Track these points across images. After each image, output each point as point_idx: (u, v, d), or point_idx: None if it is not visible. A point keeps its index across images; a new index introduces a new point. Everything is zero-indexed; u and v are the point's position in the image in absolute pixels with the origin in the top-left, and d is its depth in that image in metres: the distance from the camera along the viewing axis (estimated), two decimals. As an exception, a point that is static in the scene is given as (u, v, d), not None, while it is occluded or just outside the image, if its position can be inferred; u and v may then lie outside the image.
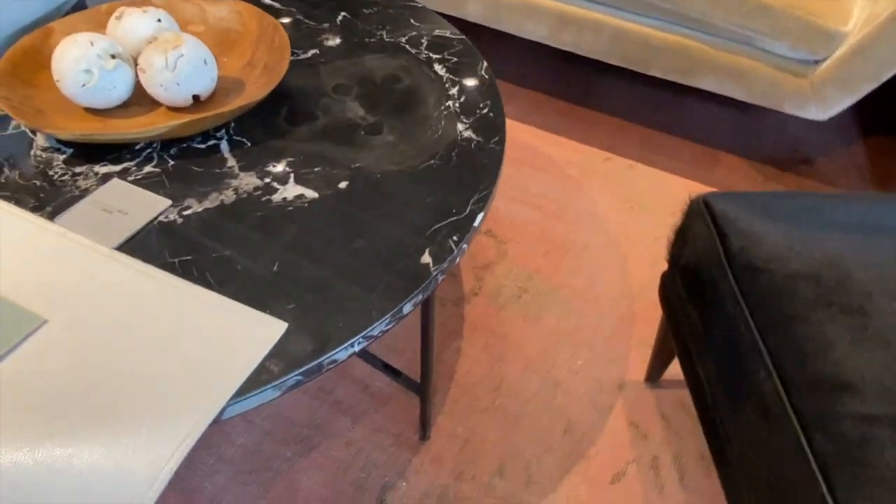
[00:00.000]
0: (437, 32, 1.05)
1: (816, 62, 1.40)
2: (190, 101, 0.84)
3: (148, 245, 0.71)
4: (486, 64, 0.99)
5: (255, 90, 0.88)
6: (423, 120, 0.89)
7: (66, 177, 0.79)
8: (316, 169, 0.81)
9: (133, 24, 0.87)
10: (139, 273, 0.67)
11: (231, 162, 0.82)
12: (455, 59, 1.00)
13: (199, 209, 0.75)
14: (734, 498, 0.73)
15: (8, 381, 0.58)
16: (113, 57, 0.82)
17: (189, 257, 0.70)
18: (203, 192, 0.77)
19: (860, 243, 0.77)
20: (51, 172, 0.79)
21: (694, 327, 0.82)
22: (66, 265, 0.67)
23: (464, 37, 1.04)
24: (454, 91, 0.95)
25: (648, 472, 1.06)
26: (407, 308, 0.68)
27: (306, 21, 1.05)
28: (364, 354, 1.18)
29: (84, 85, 0.81)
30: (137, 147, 0.83)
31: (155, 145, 0.83)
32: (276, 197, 0.77)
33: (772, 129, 1.81)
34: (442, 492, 1.02)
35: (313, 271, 0.69)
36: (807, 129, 1.83)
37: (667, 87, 1.91)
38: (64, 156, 0.81)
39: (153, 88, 0.83)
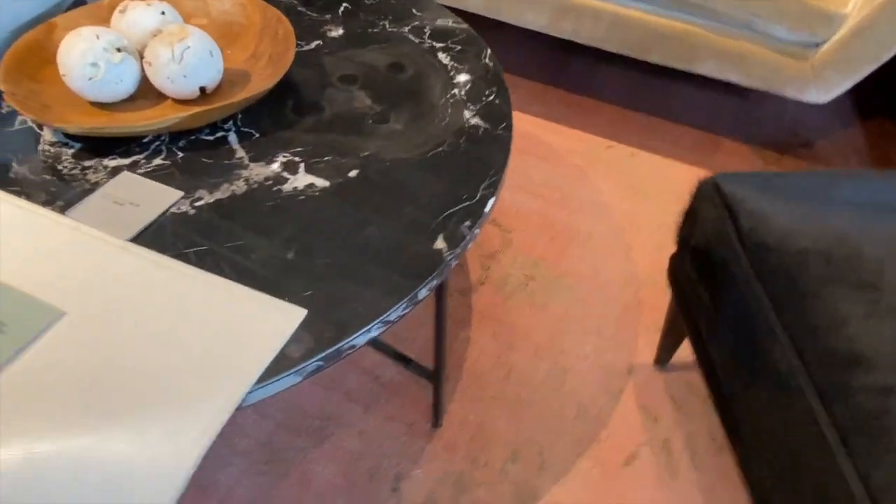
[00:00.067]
0: (439, 22, 1.05)
1: (816, 45, 1.40)
2: (197, 93, 0.84)
3: (161, 236, 0.71)
4: (489, 51, 0.99)
5: (262, 81, 0.88)
6: (429, 108, 0.89)
7: (75, 171, 0.79)
8: (325, 158, 0.81)
9: (137, 18, 0.86)
10: (155, 264, 0.67)
11: (240, 153, 0.82)
12: (459, 48, 1.00)
13: (211, 200, 0.76)
14: (749, 474, 0.74)
15: (29, 373, 0.58)
16: (119, 50, 0.82)
17: (203, 247, 0.70)
18: (214, 183, 0.77)
19: (868, 220, 0.78)
20: (60, 167, 0.79)
21: (705, 308, 0.83)
22: (81, 258, 0.67)
23: (466, 25, 1.04)
24: (459, 79, 0.95)
25: (660, 454, 1.07)
26: (422, 293, 0.68)
27: (308, 12, 1.05)
28: (375, 343, 1.18)
29: (91, 78, 0.81)
30: (145, 140, 0.83)
31: (163, 138, 0.83)
32: (287, 186, 0.78)
33: (771, 114, 1.82)
34: (456, 479, 1.03)
35: (328, 258, 0.69)
36: (805, 112, 1.83)
37: (666, 75, 1.91)
38: (72, 150, 0.81)
39: (160, 81, 0.83)
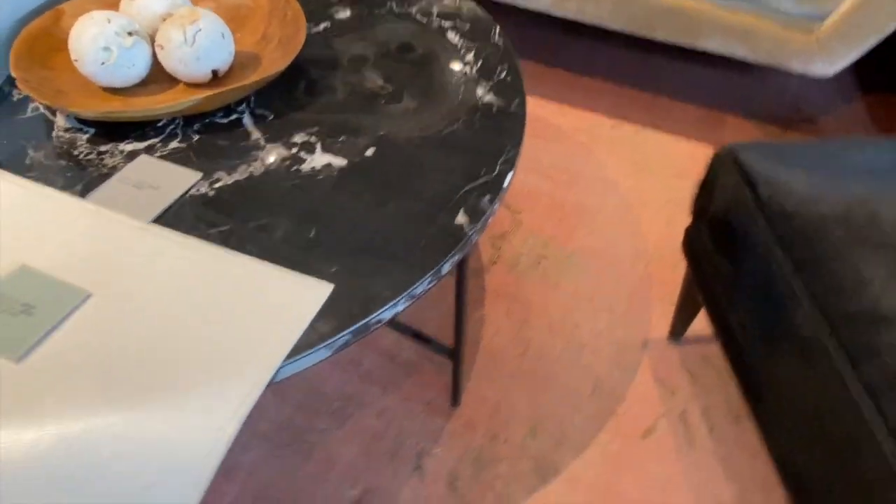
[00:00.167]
0: (446, 1, 1.05)
1: (822, 17, 1.40)
2: (209, 76, 0.84)
3: (183, 218, 0.71)
4: (499, 28, 0.99)
5: (273, 63, 0.87)
6: (442, 86, 0.89)
7: (91, 156, 0.78)
8: (341, 138, 0.81)
9: (147, 2, 0.86)
10: (178, 244, 0.67)
11: (256, 135, 0.82)
12: (468, 26, 1.00)
13: (230, 181, 0.75)
14: (772, 440, 0.75)
15: (59, 354, 0.58)
16: (130, 34, 0.82)
17: (225, 228, 0.70)
18: (231, 165, 0.77)
19: (884, 184, 0.78)
20: (75, 152, 0.79)
21: (723, 277, 0.83)
22: (104, 240, 0.67)
23: (474, 4, 1.04)
24: (470, 57, 0.94)
25: (678, 426, 1.07)
26: (446, 267, 0.69)
27: (315, -6, 1.05)
28: (394, 323, 1.19)
29: (103, 63, 0.80)
30: (160, 125, 0.82)
31: (178, 122, 0.83)
32: (305, 166, 0.77)
33: (774, 90, 1.82)
34: (477, 455, 1.04)
35: (350, 235, 0.69)
36: (808, 88, 1.83)
37: (668, 54, 1.91)
38: (87, 135, 0.81)
39: (172, 64, 0.82)
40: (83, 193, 0.74)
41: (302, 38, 0.87)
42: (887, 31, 1.33)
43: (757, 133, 1.69)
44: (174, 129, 0.82)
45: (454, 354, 1.05)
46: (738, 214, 0.79)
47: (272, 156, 0.79)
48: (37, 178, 0.75)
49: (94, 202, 0.72)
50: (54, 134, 0.81)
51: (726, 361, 1.16)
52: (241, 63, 0.90)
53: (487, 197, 0.74)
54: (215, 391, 0.56)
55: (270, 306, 0.62)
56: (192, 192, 0.75)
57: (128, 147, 0.80)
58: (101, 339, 0.60)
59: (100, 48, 0.80)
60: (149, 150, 0.79)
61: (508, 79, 0.91)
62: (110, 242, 0.68)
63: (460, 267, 0.91)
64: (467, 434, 1.06)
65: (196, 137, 0.81)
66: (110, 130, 0.82)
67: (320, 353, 0.61)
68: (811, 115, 1.75)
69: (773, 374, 0.73)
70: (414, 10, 1.03)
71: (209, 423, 0.55)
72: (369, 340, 1.19)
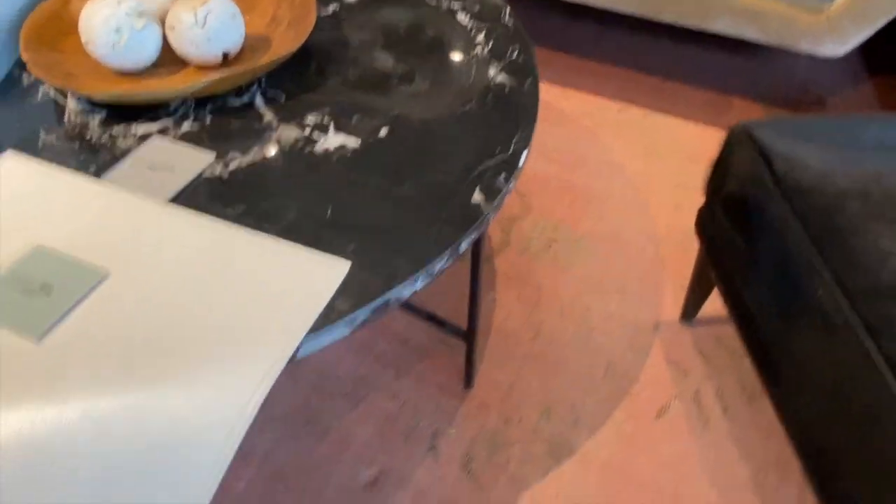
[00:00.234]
0: (454, -17, 1.04)
1: (831, -4, 1.39)
2: (220, 58, 0.84)
3: (198, 198, 0.71)
4: (509, 9, 0.98)
5: (283, 45, 0.87)
6: (453, 67, 0.88)
7: (103, 139, 0.78)
8: (354, 118, 0.81)
9: (156, -16, 0.86)
10: (195, 223, 0.67)
11: (268, 116, 0.81)
12: (477, 8, 0.99)
13: (244, 162, 0.75)
14: (790, 416, 0.75)
15: (78, 334, 0.58)
16: (141, 16, 0.81)
17: (241, 208, 0.70)
18: (245, 146, 0.77)
19: (901, 161, 0.78)
20: (87, 135, 0.78)
21: (739, 255, 0.83)
22: (120, 220, 0.67)
23: (483, -17, 1.03)
24: (480, 38, 0.94)
25: (692, 406, 1.07)
26: (464, 245, 0.69)
27: (324, -23, 1.04)
28: (408, 306, 1.19)
29: (114, 45, 0.80)
30: (171, 107, 0.82)
31: (189, 104, 0.82)
32: (319, 147, 0.77)
33: (781, 73, 1.81)
34: (491, 436, 1.04)
35: (367, 214, 0.69)
36: (815, 70, 1.82)
37: (675, 37, 1.90)
38: (98, 118, 0.80)
39: (183, 46, 0.82)
40: (96, 175, 0.73)
41: (312, 21, 0.87)
42: (898, 11, 1.32)
43: (765, 116, 1.68)
44: (186, 111, 0.82)
45: (468, 336, 1.05)
46: (754, 191, 0.79)
47: (285, 137, 0.79)
48: (50, 161, 0.75)
49: (109, 183, 0.72)
50: (65, 117, 0.81)
51: (740, 341, 1.16)
52: (252, 45, 0.89)
53: (503, 175, 0.74)
54: (237, 368, 0.56)
55: (289, 284, 0.62)
56: (207, 173, 0.74)
57: (140, 129, 0.80)
58: (121, 318, 0.60)
59: (111, 30, 0.79)
60: (161, 132, 0.79)
61: (520, 59, 0.91)
62: (127, 223, 0.68)
63: (475, 246, 0.91)
64: (481, 416, 1.06)
65: (208, 119, 0.81)
66: (122, 113, 0.81)
67: (340, 331, 0.61)
68: (819, 96, 1.75)
69: (790, 350, 0.73)
70: (422, -9, 1.02)
71: (231, 399, 0.55)
72: (381, 324, 1.19)
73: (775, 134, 0.81)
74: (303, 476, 0.99)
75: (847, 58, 1.88)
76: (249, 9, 0.94)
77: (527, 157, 0.78)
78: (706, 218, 0.93)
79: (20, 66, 0.88)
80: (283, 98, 0.84)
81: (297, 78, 0.86)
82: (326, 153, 0.76)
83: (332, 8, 0.99)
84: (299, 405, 1.08)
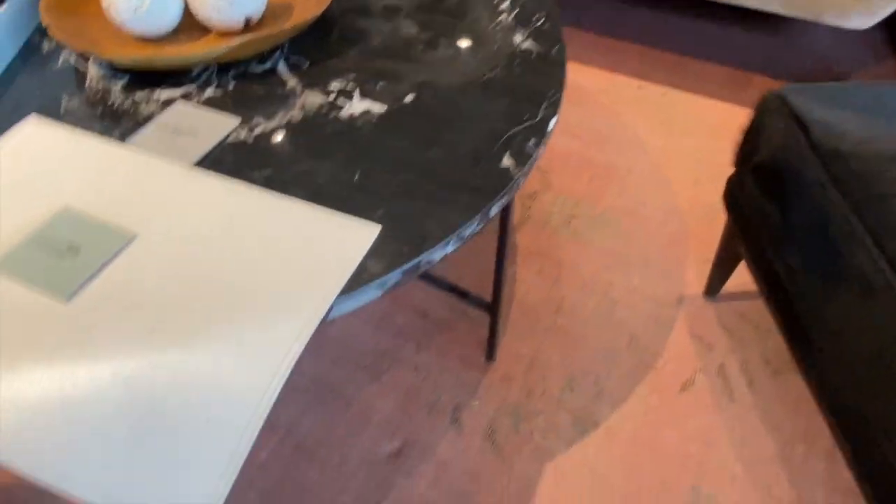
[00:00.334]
0: (479, -52, 1.02)
1: (859, -33, 1.36)
2: (242, 23, 0.82)
3: (223, 163, 0.70)
4: (533, -25, 0.96)
5: (306, 11, 0.86)
6: (479, 34, 0.87)
7: (126, 104, 0.77)
8: (379, 84, 0.79)
9: (178, -53, 0.84)
10: (222, 186, 0.66)
11: (292, 82, 0.80)
12: (501, -26, 0.97)
13: (269, 127, 0.74)
14: (824, 386, 0.74)
15: (107, 295, 0.57)
16: (163, -20, 0.80)
17: (267, 172, 0.69)
18: (269, 112, 0.76)
19: (939, 127, 0.76)
20: (110, 101, 0.78)
21: (770, 224, 0.81)
22: (146, 184, 0.66)
23: (507, -50, 1.01)
24: (506, 5, 0.92)
25: (716, 380, 1.06)
26: (494, 210, 0.67)
27: (344, -57, 1.02)
28: (428, 278, 1.18)
29: (136, 10, 0.79)
30: (194, 73, 0.81)
31: (212, 70, 0.81)
32: (344, 113, 0.76)
33: (803, 50, 1.78)
34: (514, 408, 1.03)
35: (395, 179, 0.68)
36: (836, 47, 1.79)
37: (692, 14, 1.87)
38: (120, 84, 0.79)
39: (205, 12, 0.80)
40: (120, 140, 0.73)
41: (335, -16, 0.86)
42: (928, -19, 1.29)
43: (786, 92, 1.65)
44: (208, 77, 0.81)
45: (492, 308, 1.04)
46: (789, 158, 0.77)
47: (310, 102, 0.77)
48: (73, 126, 0.74)
49: (133, 147, 0.71)
50: (87, 83, 0.80)
51: (764, 316, 1.14)
52: (274, 12, 0.88)
53: (532, 140, 0.73)
54: (268, 329, 0.56)
55: (319, 247, 0.61)
56: (231, 138, 0.73)
57: (163, 95, 0.79)
58: (150, 280, 0.59)
59: (133, -7, 0.78)
60: (185, 98, 0.78)
61: (546, 25, 0.89)
62: (152, 186, 0.67)
63: (503, 214, 0.90)
64: (503, 388, 1.06)
65: (232, 85, 0.80)
66: (144, 79, 0.80)
67: (372, 293, 0.61)
68: (841, 74, 1.72)
69: (826, 318, 0.72)
70: (446, -42, 1.00)
71: (264, 360, 0.54)
72: (401, 298, 1.19)
73: (810, 100, 0.79)
74: (325, 448, 0.99)
75: (869, 33, 1.84)
76: (270, -25, 0.93)
77: (556, 124, 0.76)
78: (735, 188, 0.92)
79: (40, 32, 0.87)
80: (306, 64, 0.82)
81: (320, 44, 0.85)
82: (352, 118, 0.75)
83: (353, -25, 0.97)
84: (320, 378, 1.07)
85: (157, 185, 0.67)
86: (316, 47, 0.85)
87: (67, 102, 0.78)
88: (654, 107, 1.58)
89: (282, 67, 0.82)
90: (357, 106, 0.77)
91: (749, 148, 0.86)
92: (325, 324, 0.57)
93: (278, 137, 0.73)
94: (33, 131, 0.72)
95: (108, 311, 0.57)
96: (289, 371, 0.54)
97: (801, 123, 0.77)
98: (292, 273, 0.59)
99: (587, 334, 1.13)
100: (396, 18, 0.89)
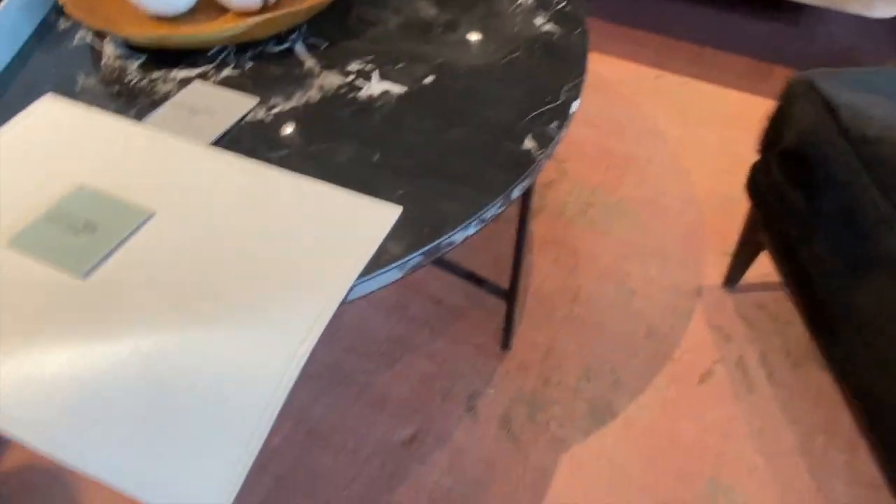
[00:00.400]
0: (499, -70, 1.00)
1: (885, -46, 1.33)
2: (259, 3, 0.81)
3: (240, 142, 0.69)
4: (555, -42, 0.94)
5: (324, -9, 0.85)
6: (499, 16, 0.85)
7: (142, 83, 0.76)
8: (398, 65, 0.78)
9: (195, -75, 0.83)
10: (241, 166, 0.65)
11: (310, 63, 0.79)
12: (522, -44, 0.95)
13: (287, 107, 0.73)
14: (851, 375, 0.72)
15: (124, 272, 0.57)
16: (180, -42, 0.79)
17: (285, 153, 0.68)
18: (287, 92, 0.75)
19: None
20: (126, 80, 0.77)
21: (796, 211, 0.80)
22: (163, 162, 0.66)
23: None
24: (525, -13, 0.91)
25: (736, 371, 1.05)
26: (516, 192, 0.66)
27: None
28: (443, 264, 1.16)
29: (153, -12, 0.78)
30: (211, 53, 0.80)
31: (229, 50, 0.80)
32: (363, 94, 0.75)
33: (824, 41, 1.75)
34: (530, 397, 1.02)
35: (415, 160, 0.67)
36: (857, 37, 1.76)
37: (710, 3, 1.84)
38: (137, 63, 0.79)
39: (223, -10, 0.79)
40: (137, 119, 0.72)
41: (354, -35, 0.84)
42: (956, -31, 1.26)
43: (807, 83, 1.63)
44: (226, 57, 0.80)
45: (509, 295, 1.03)
46: (818, 143, 0.75)
47: (328, 83, 0.76)
48: (89, 105, 0.73)
49: (150, 126, 0.70)
50: (103, 62, 0.79)
51: (784, 307, 1.13)
52: (291, -8, 0.87)
53: (555, 123, 0.71)
54: (288, 310, 0.55)
55: (339, 228, 0.60)
56: (249, 117, 0.72)
57: (180, 74, 0.78)
58: (168, 258, 0.58)
59: (150, -29, 0.77)
60: (202, 77, 0.77)
61: (567, 8, 0.87)
62: (170, 164, 0.66)
63: (524, 197, 0.89)
64: (519, 377, 1.05)
65: (249, 65, 0.79)
66: (160, 59, 0.79)
67: (392, 274, 0.59)
68: (864, 63, 1.69)
69: (855, 305, 0.70)
70: (463, -60, 0.99)
71: (284, 340, 0.53)
72: (415, 285, 1.18)
73: (839, 84, 0.77)
74: (339, 434, 0.98)
75: (890, 24, 1.81)
76: (288, -45, 0.92)
77: (578, 107, 0.75)
78: (759, 175, 0.90)
79: (56, 10, 0.86)
80: (324, 45, 0.81)
81: (338, 25, 0.84)
82: (371, 99, 0.74)
83: (371, -44, 0.96)
84: (334, 364, 1.06)
85: (174, 164, 0.66)
86: (334, 28, 0.84)
87: (83, 81, 0.77)
88: (673, 96, 1.56)
89: (299, 48, 0.81)
90: (376, 87, 0.76)
91: (775, 134, 0.84)
92: (338, 309, 0.56)
93: (296, 117, 0.72)
94: (49, 109, 0.71)
95: (125, 290, 0.56)
96: (308, 352, 0.53)
97: (829, 108, 0.75)
98: (311, 254, 0.58)
99: (604, 324, 1.12)
100: (415, 0, 0.88)
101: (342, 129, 0.71)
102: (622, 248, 1.23)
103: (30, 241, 0.59)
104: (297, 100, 0.74)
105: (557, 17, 0.85)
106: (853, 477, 0.94)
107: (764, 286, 1.17)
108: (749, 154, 1.41)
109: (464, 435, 0.98)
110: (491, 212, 0.64)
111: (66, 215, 0.61)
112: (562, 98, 0.75)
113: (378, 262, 0.58)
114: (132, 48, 0.80)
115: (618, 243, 1.24)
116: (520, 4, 0.88)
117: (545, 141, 0.70)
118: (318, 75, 0.77)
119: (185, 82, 0.76)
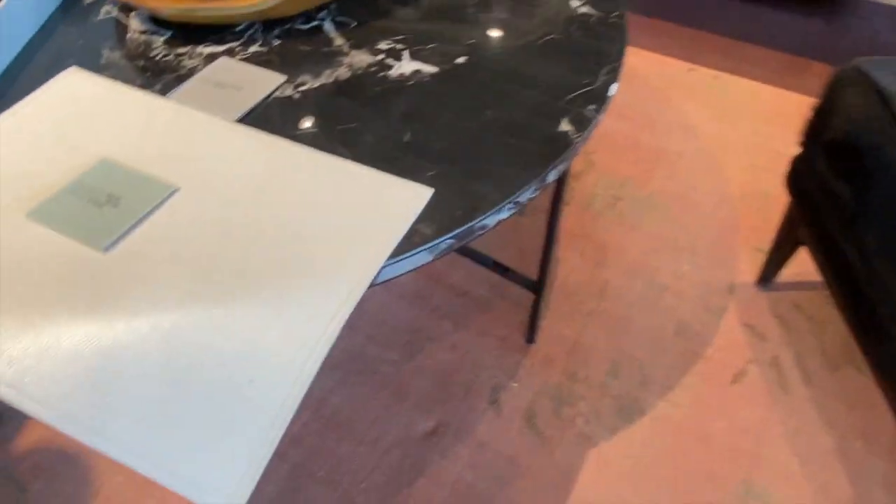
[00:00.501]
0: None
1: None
2: (288, -21, 0.79)
3: (268, 119, 0.67)
4: (592, -61, 0.91)
5: (355, -31, 0.82)
6: (532, -3, 0.82)
7: (168, 57, 0.75)
8: (430, 45, 0.76)
9: None
10: (267, 143, 0.63)
11: (339, 41, 0.77)
12: (557, -62, 0.92)
13: (316, 84, 0.71)
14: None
15: (147, 247, 0.55)
16: (209, -69, 0.77)
17: (314, 130, 0.66)
18: (316, 70, 0.73)
19: None
20: (152, 54, 0.75)
21: (842, 205, 0.76)
22: (188, 138, 0.64)
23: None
24: (560, -31, 0.88)
25: (770, 372, 1.01)
26: (552, 175, 0.63)
27: None
28: (469, 252, 1.14)
29: (181, -39, 0.76)
30: (238, 29, 0.78)
31: (256, 27, 0.78)
32: (393, 72, 0.72)
33: (862, 37, 1.69)
34: (555, 391, 0.99)
35: (447, 140, 0.64)
36: (894, 31, 1.71)
37: (748, -6, 1.80)
38: (163, 38, 0.77)
39: (251, -35, 0.77)
40: (162, 93, 0.70)
41: (385, -57, 0.82)
42: None
43: (844, 79, 1.58)
44: (253, 33, 0.78)
45: (537, 286, 1.00)
46: (869, 132, 0.71)
47: (358, 61, 0.74)
48: (114, 78, 0.72)
49: (176, 100, 0.68)
50: (129, 36, 0.78)
51: (826, 304, 1.08)
52: (321, -30, 0.84)
53: (592, 106, 0.68)
54: (315, 289, 0.52)
55: (368, 208, 0.58)
56: (276, 94, 0.70)
57: (206, 50, 0.76)
58: (192, 235, 0.56)
59: (178, -57, 0.75)
60: (229, 54, 0.75)
61: (605, -10, 0.84)
62: (195, 140, 0.64)
63: (558, 184, 0.86)
64: (545, 371, 1.02)
65: (277, 43, 0.77)
66: (186, 35, 0.78)
67: (422, 257, 0.57)
68: (903, 62, 1.64)
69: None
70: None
71: (311, 320, 0.51)
72: (438, 275, 1.15)
73: (891, 72, 0.73)
74: (358, 424, 0.96)
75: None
76: (318, -67, 0.89)
77: (616, 91, 0.72)
78: (801, 168, 0.86)
79: (83, -16, 0.85)
80: (353, 24, 0.79)
81: (368, 5, 0.82)
82: (402, 78, 0.72)
83: (402, -64, 0.93)
84: (355, 354, 1.04)
85: (200, 140, 0.64)
86: (364, 6, 0.81)
87: (108, 55, 0.75)
88: (706, 90, 1.52)
89: (328, 26, 0.79)
90: (407, 66, 0.74)
91: (820, 124, 0.81)
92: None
93: (325, 95, 0.70)
94: (72, 82, 0.70)
95: (147, 265, 0.54)
96: (335, 335, 0.50)
97: (882, 96, 0.71)
98: (339, 234, 0.56)
99: (632, 319, 1.09)
100: (448, -20, 0.85)
101: (372, 107, 0.68)
102: (652, 243, 1.20)
103: (50, 213, 0.57)
104: (326, 78, 0.72)
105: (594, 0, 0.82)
106: (894, 485, 0.90)
107: (799, 285, 1.13)
108: (785, 149, 1.36)
109: (486, 429, 0.96)
110: (525, 195, 0.62)
111: (89, 188, 0.59)
112: (599, 81, 0.72)
113: (408, 244, 0.56)
114: (158, 23, 0.79)
115: (647, 237, 1.21)
116: (555, -14, 0.85)
117: (583, 124, 0.67)
118: (348, 54, 0.75)
119: (211, 58, 0.75)
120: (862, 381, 1.01)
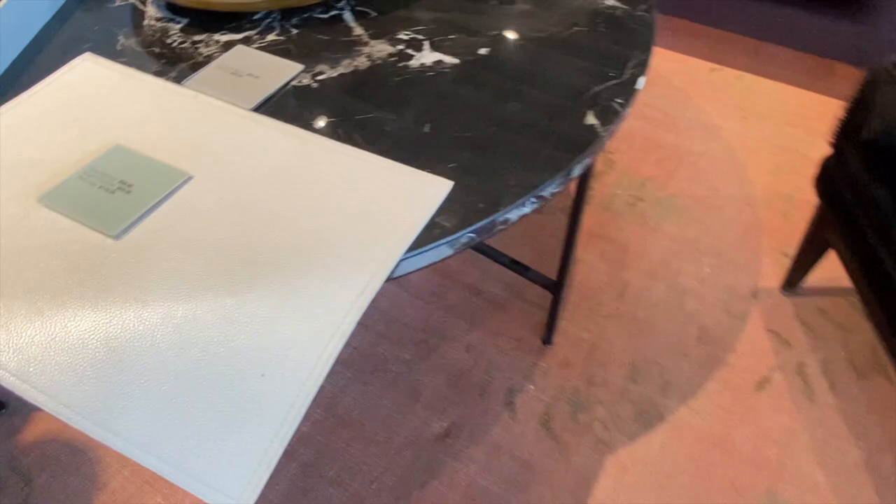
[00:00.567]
0: None
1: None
2: (308, -33, 0.77)
3: (285, 108, 0.65)
4: (618, -68, 0.89)
5: (375, -42, 0.80)
6: (558, -12, 0.80)
7: (185, 45, 0.73)
8: (451, 36, 0.74)
9: None
10: (283, 132, 0.61)
11: (358, 31, 0.75)
12: (583, -70, 0.90)
13: (334, 74, 0.69)
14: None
15: (159, 235, 0.53)
16: (228, -83, 0.75)
17: (332, 120, 0.64)
18: (334, 59, 0.71)
19: None
20: (168, 41, 0.74)
21: (878, 206, 0.73)
22: (203, 125, 0.62)
23: None
24: (586, -39, 0.85)
25: (795, 379, 0.98)
26: (576, 170, 0.61)
27: None
28: (487, 249, 1.11)
29: (199, -53, 0.75)
30: (256, 17, 0.77)
31: (274, 15, 0.77)
32: (414, 63, 0.71)
33: (887, 39, 1.65)
34: (572, 395, 0.97)
35: (469, 132, 0.62)
36: (928, 36, 1.67)
37: (774, -6, 1.77)
38: (180, 25, 0.76)
39: (270, -48, 0.76)
40: (177, 81, 0.69)
41: (407, -69, 0.80)
42: None
43: (871, 82, 1.54)
44: (271, 21, 0.77)
45: (556, 286, 0.97)
46: (908, 131, 0.69)
47: (377, 52, 0.72)
48: (128, 65, 0.70)
49: (191, 88, 0.67)
50: (145, 23, 0.77)
51: (854, 311, 1.05)
52: (341, -42, 0.83)
53: (619, 99, 0.66)
54: (331, 281, 0.51)
55: (386, 200, 0.56)
56: (294, 83, 0.69)
57: (223, 38, 0.74)
58: (205, 224, 0.55)
59: (197, -71, 0.74)
60: (246, 42, 0.74)
61: (632, -17, 0.82)
62: (210, 128, 0.62)
63: (582, 179, 0.83)
64: (562, 374, 0.99)
65: (295, 31, 0.75)
66: (203, 22, 0.76)
67: (442, 250, 0.55)
68: (932, 66, 1.59)
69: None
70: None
71: (325, 313, 0.49)
72: (453, 274, 1.13)
73: (931, 70, 0.70)
74: (370, 423, 0.94)
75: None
76: (338, -78, 0.88)
77: (643, 85, 0.70)
78: (833, 170, 0.83)
79: (100, -30, 0.84)
80: (373, 14, 0.77)
81: (388, -6, 0.80)
82: (422, 69, 0.70)
83: (424, -73, 0.91)
84: (367, 352, 1.02)
85: (215, 128, 0.62)
86: (383, -4, 0.80)
87: (124, 41, 0.74)
88: (729, 91, 1.49)
89: (348, 15, 0.77)
90: (427, 57, 0.72)
91: (854, 124, 0.78)
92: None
93: (343, 85, 0.68)
94: (87, 67, 0.69)
95: (159, 253, 0.52)
96: (351, 329, 0.49)
97: (923, 94, 0.68)
98: (355, 226, 0.54)
99: (653, 323, 1.06)
100: (470, -30, 0.83)
101: (391, 98, 0.66)
102: (673, 245, 1.17)
103: (62, 198, 0.55)
104: (345, 67, 0.70)
105: (621, -8, 0.80)
106: (922, 500, 0.87)
107: (826, 291, 1.09)
108: (809, 151, 1.33)
109: (501, 432, 0.93)
110: (549, 189, 0.59)
111: (101, 174, 0.57)
112: (626, 75, 0.69)
113: (427, 236, 0.54)
114: (175, 10, 0.77)
115: (669, 239, 1.18)
116: (580, -22, 0.83)
117: (609, 117, 0.64)
118: (367, 43, 0.73)
119: (228, 46, 0.73)
120: (892, 391, 0.97)
